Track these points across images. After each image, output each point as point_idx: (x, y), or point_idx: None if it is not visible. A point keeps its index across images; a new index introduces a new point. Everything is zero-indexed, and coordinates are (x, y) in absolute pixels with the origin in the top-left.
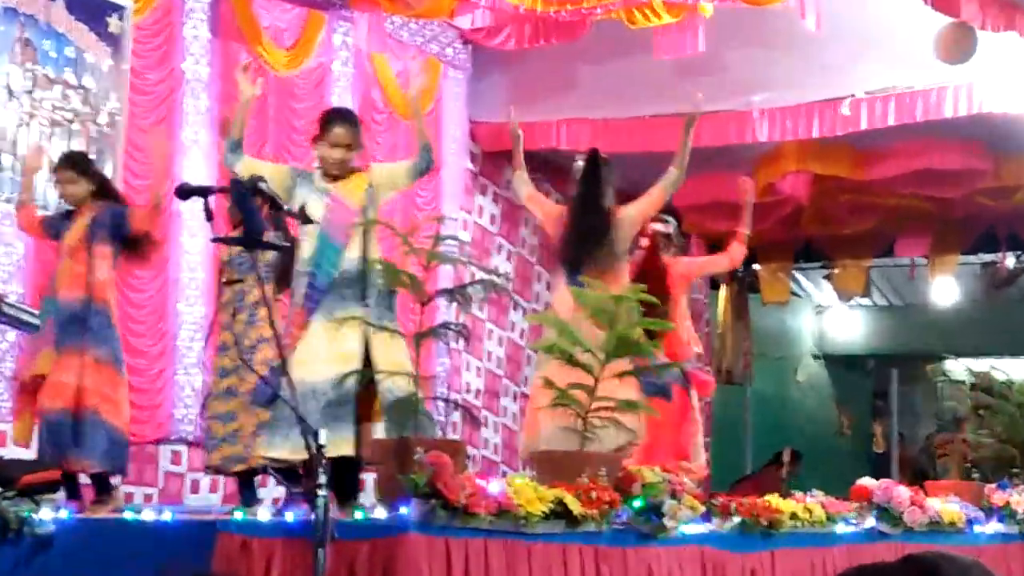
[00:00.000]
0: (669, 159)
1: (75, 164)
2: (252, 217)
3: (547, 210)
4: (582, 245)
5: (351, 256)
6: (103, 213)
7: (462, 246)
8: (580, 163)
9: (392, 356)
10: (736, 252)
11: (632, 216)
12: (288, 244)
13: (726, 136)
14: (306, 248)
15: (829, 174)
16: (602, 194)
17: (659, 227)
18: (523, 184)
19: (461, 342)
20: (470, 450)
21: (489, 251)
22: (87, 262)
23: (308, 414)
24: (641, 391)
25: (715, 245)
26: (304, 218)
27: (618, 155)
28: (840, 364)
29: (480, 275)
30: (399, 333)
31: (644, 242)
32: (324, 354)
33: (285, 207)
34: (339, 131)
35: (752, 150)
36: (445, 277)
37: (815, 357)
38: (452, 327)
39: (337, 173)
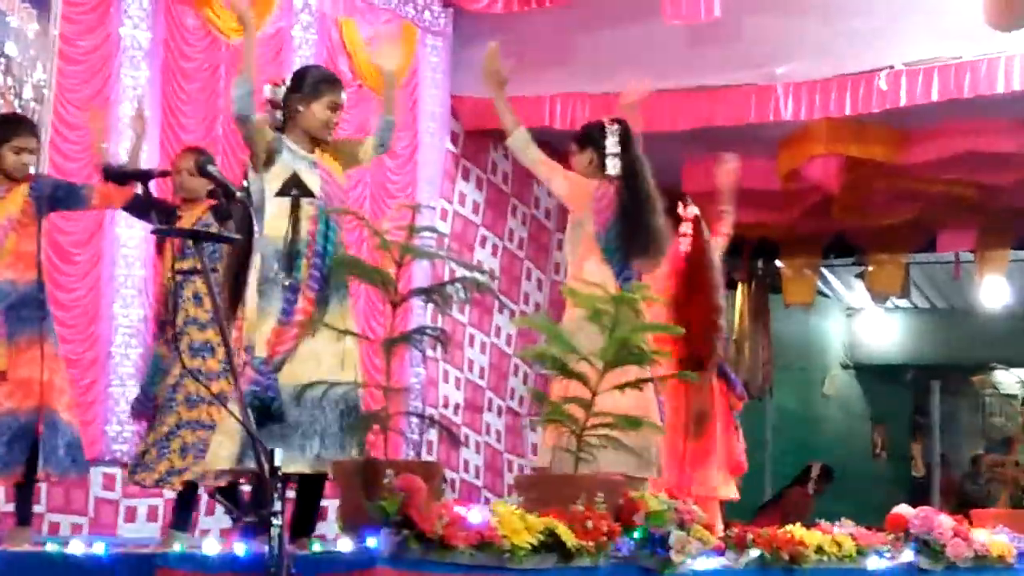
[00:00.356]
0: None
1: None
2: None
3: (575, 181)
4: (655, 241)
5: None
6: (45, 184)
7: (440, 239)
8: (614, 130)
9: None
10: (728, 231)
11: None
12: (240, 238)
13: (744, 114)
14: (304, 228)
15: (863, 157)
16: (647, 176)
17: (695, 210)
18: (528, 144)
19: (439, 349)
20: (448, 473)
21: (472, 245)
22: (36, 238)
23: (322, 424)
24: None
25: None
26: (241, 208)
27: None
28: (874, 376)
29: (461, 272)
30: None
31: (686, 228)
32: (326, 351)
33: (239, 193)
34: (341, 95)
35: (774, 130)
36: (421, 275)
37: (845, 367)
38: (428, 332)
39: (328, 138)
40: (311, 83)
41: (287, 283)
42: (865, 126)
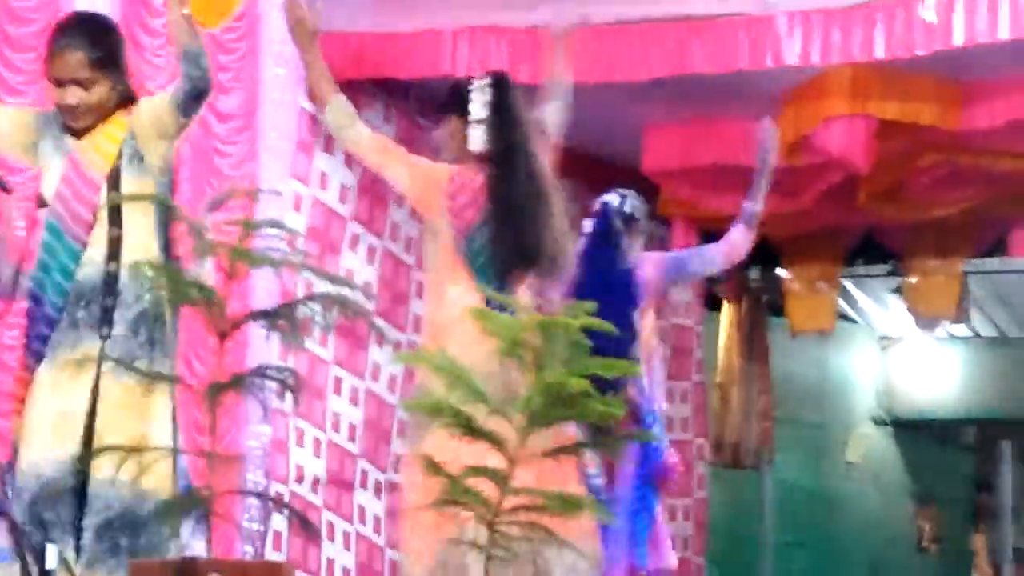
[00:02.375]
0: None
1: None
2: None
3: (419, 171)
4: (533, 243)
5: (93, 257)
6: None
7: (292, 238)
8: (480, 91)
9: (123, 422)
10: (738, 239)
11: None
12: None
13: (732, 59)
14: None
15: (902, 121)
16: (535, 151)
17: (612, 201)
18: (353, 120)
19: (288, 399)
20: None
21: (337, 247)
22: None
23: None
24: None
25: (712, 235)
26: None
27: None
28: (919, 435)
29: (321, 287)
30: (156, 379)
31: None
32: (49, 418)
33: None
34: (69, 56)
35: (775, 81)
36: (263, 291)
37: (878, 423)
38: (273, 374)
39: (77, 123)
40: (46, 47)
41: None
42: (905, 76)
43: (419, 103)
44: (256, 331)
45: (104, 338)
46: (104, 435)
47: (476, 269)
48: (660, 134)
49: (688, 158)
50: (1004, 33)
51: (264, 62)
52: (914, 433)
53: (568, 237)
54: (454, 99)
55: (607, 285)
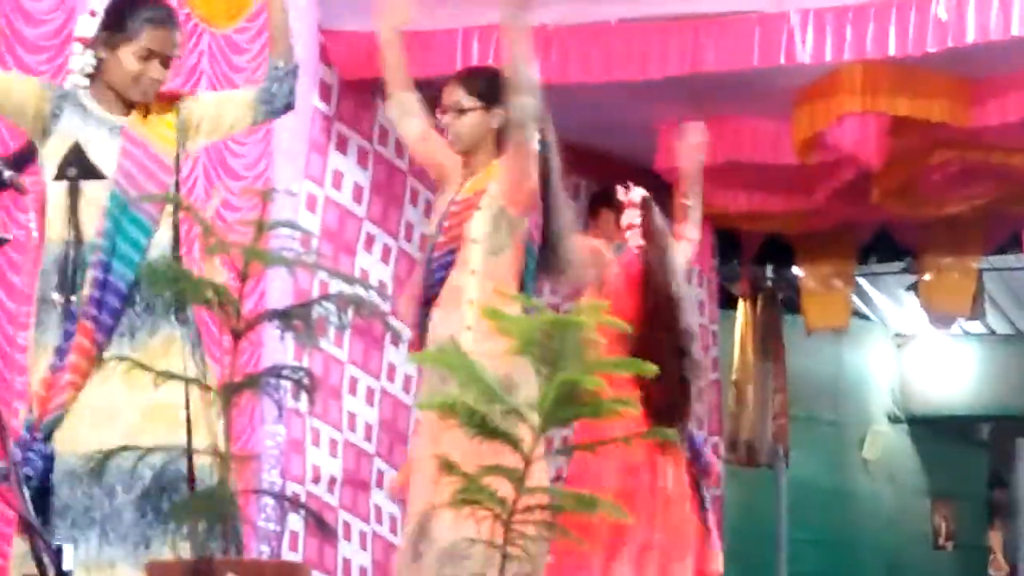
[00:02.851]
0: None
1: None
2: None
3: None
4: (573, 251)
5: (161, 241)
6: None
7: (306, 239)
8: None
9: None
10: (694, 235)
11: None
12: (6, 238)
13: (745, 57)
14: (88, 220)
15: (915, 117)
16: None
17: (641, 191)
18: (409, 115)
19: (304, 399)
20: None
21: (352, 247)
22: None
23: (104, 510)
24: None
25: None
26: (20, 188)
27: (568, 87)
28: (935, 433)
29: (336, 287)
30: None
31: (632, 217)
32: (127, 405)
33: (6, 173)
34: (163, 32)
35: (788, 79)
36: (278, 291)
37: (893, 421)
38: (288, 374)
39: (145, 99)
40: (122, 17)
41: (63, 306)
42: (917, 73)
43: (434, 101)
44: (271, 331)
45: (184, 323)
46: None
47: (528, 270)
48: (673, 133)
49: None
50: (1016, 30)
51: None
52: (929, 430)
53: (576, 240)
54: (493, 90)
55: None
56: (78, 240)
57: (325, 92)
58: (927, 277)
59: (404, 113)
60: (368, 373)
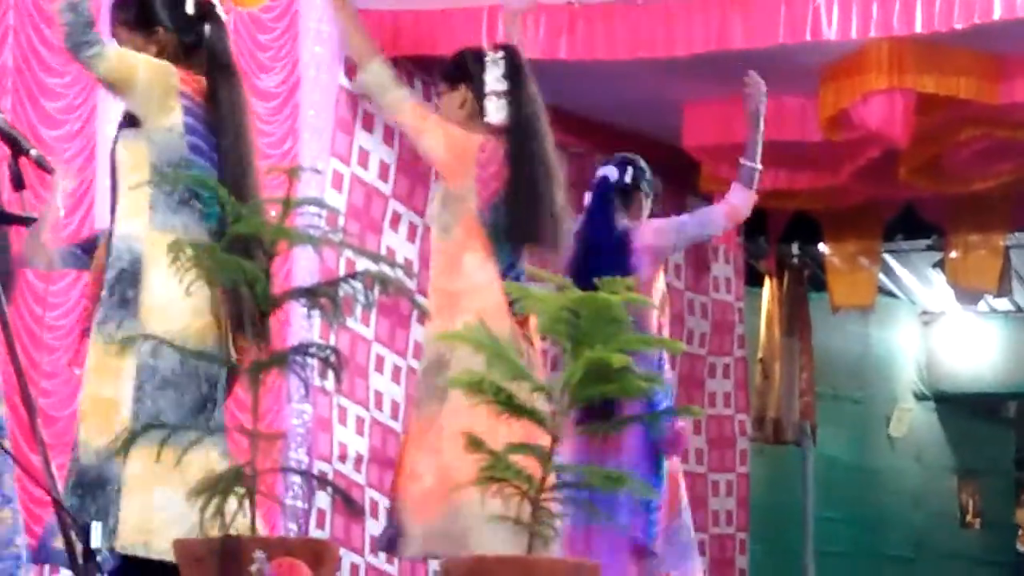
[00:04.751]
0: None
1: None
2: None
3: (455, 137)
4: (544, 218)
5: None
6: None
7: (332, 217)
8: (495, 63)
9: (92, 385)
10: (738, 200)
11: None
12: (32, 218)
13: (771, 34)
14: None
15: (942, 94)
16: (546, 126)
17: (610, 174)
18: (389, 83)
19: (331, 377)
20: (347, 556)
21: (378, 225)
22: None
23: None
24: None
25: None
26: (46, 167)
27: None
28: (962, 410)
29: (363, 265)
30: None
31: None
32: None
33: (32, 151)
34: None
35: (815, 56)
36: (304, 269)
37: (920, 398)
38: (315, 352)
39: None
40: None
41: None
42: (944, 50)
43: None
44: (297, 309)
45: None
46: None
47: (494, 240)
48: (700, 110)
49: (728, 134)
50: None
51: (303, 41)
52: (956, 408)
53: (566, 212)
54: (462, 68)
55: (598, 254)
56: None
57: (351, 70)
58: (953, 254)
59: (383, 87)
60: (394, 351)
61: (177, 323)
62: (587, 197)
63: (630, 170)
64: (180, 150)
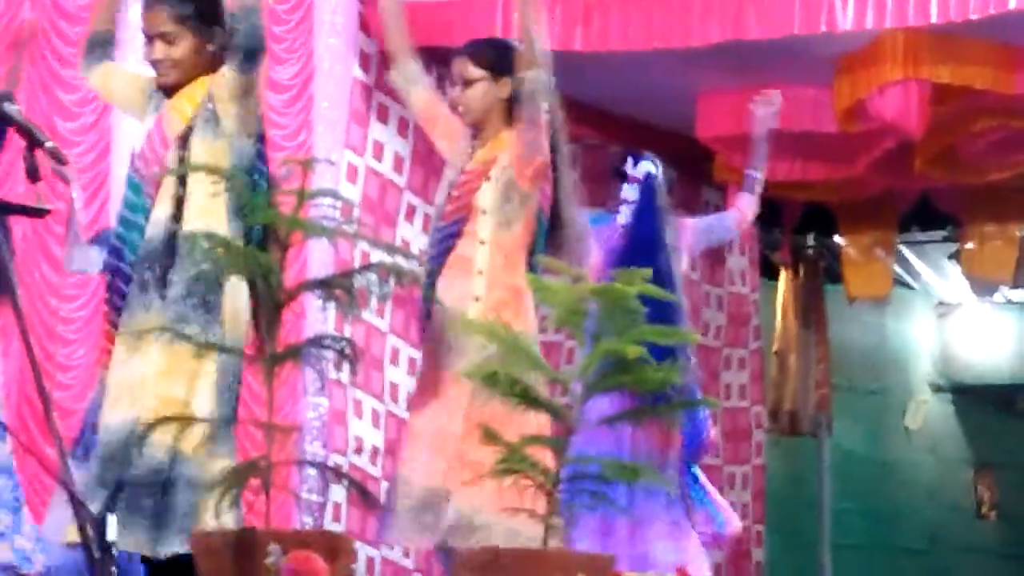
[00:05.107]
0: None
1: None
2: None
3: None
4: (573, 223)
5: (159, 217)
6: None
7: (347, 209)
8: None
9: (162, 384)
10: (745, 207)
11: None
12: (46, 209)
13: (786, 24)
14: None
15: (957, 85)
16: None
17: (650, 166)
18: (414, 83)
19: (346, 369)
20: (362, 549)
21: (393, 217)
22: None
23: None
24: None
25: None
26: (60, 158)
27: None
28: (978, 401)
29: (378, 257)
30: (204, 346)
31: (631, 192)
32: (119, 384)
33: (48, 143)
34: (146, 12)
35: (830, 46)
36: (319, 261)
37: (936, 390)
38: (330, 344)
39: (161, 79)
40: None
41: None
42: (960, 40)
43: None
44: (312, 302)
45: (162, 297)
46: (140, 394)
47: (535, 247)
48: (714, 101)
49: (742, 124)
50: None
51: (318, 33)
52: (972, 399)
53: (578, 210)
54: (509, 61)
55: (650, 252)
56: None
57: (365, 62)
58: (969, 245)
59: (408, 82)
60: (409, 343)
61: (243, 327)
62: (627, 191)
63: (661, 167)
64: (252, 158)
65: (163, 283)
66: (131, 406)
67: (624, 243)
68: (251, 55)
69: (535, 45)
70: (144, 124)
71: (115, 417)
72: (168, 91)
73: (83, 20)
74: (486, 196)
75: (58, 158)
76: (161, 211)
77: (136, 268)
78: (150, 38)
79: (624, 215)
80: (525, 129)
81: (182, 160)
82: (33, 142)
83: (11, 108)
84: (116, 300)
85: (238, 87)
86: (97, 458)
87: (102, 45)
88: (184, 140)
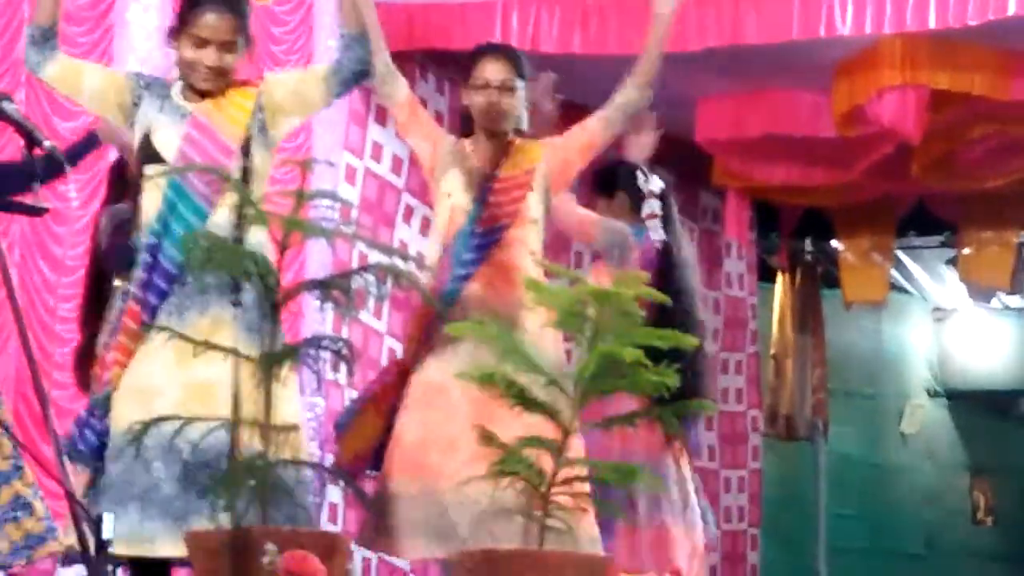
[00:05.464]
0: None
1: None
2: None
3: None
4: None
5: (219, 222)
6: None
7: (345, 210)
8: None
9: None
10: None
11: (556, 154)
12: (44, 208)
13: (784, 29)
14: (150, 205)
15: (955, 91)
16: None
17: (660, 183)
18: (393, 78)
19: (343, 370)
20: (358, 549)
21: (391, 218)
22: None
23: (143, 484)
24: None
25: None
26: (71, 159)
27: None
28: (974, 407)
29: (375, 258)
30: (205, 347)
31: (653, 207)
32: (169, 383)
33: (47, 142)
34: (211, 17)
35: (828, 51)
36: (317, 262)
37: (932, 395)
38: (327, 344)
39: (204, 85)
40: (183, 6)
41: (118, 285)
42: (957, 46)
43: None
44: (310, 302)
45: (236, 305)
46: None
47: None
48: (713, 105)
49: (741, 129)
50: None
51: (318, 34)
52: (968, 405)
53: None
54: (526, 68)
55: (686, 268)
56: (139, 225)
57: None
58: (966, 251)
59: (391, 74)
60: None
61: None
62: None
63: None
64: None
65: (232, 289)
66: (209, 411)
67: (662, 260)
68: (357, 78)
69: (655, 65)
70: (155, 126)
71: (196, 424)
72: (200, 95)
73: (83, 20)
74: (535, 206)
75: (57, 158)
76: (222, 217)
77: (191, 271)
78: (204, 43)
79: (656, 231)
80: (602, 138)
81: (246, 170)
82: (32, 142)
83: (10, 107)
84: (150, 297)
85: (321, 104)
86: (178, 462)
87: (49, 38)
88: (246, 149)
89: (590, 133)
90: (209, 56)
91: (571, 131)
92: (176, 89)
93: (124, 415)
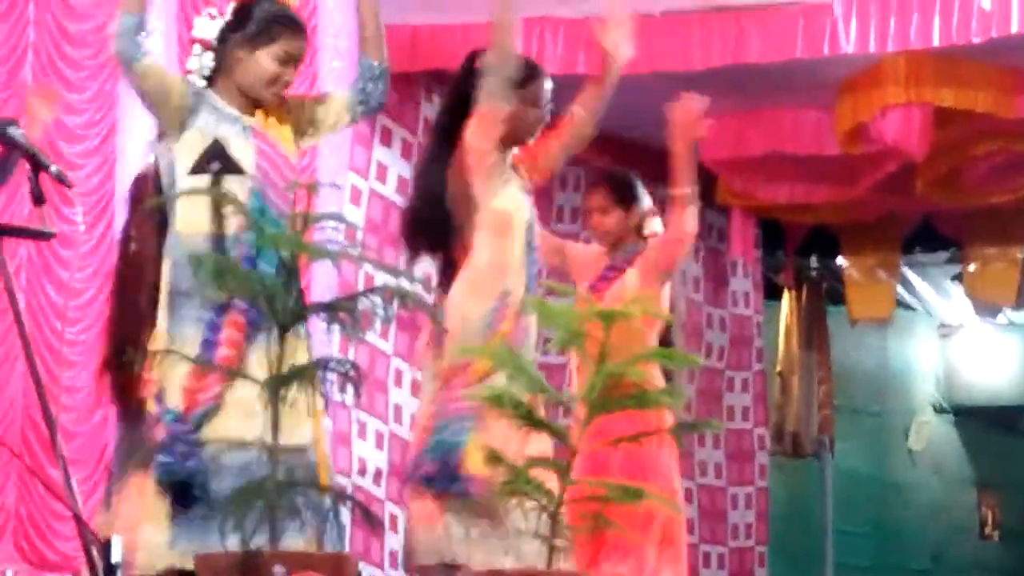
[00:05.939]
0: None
1: None
2: None
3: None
4: (415, 219)
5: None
6: None
7: (351, 232)
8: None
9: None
10: (687, 222)
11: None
12: (51, 232)
13: (788, 48)
14: (195, 212)
15: (959, 108)
16: (452, 125)
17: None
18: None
19: (350, 392)
20: (366, 570)
21: (397, 239)
22: None
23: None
24: None
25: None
26: (65, 181)
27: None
28: (981, 422)
29: (382, 279)
30: (204, 364)
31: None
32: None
33: (52, 167)
34: (302, 38)
35: (832, 69)
36: (323, 284)
37: (939, 411)
38: (334, 367)
39: (275, 101)
40: (261, 21)
41: (209, 299)
42: (961, 64)
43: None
44: (317, 324)
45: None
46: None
47: None
48: (717, 124)
49: (745, 147)
50: None
51: (322, 56)
52: (975, 420)
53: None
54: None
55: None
56: (220, 234)
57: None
58: (972, 267)
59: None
60: (413, 366)
61: None
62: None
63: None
64: None
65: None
66: (303, 431)
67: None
68: (378, 109)
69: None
70: (230, 137)
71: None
72: (253, 109)
73: (88, 43)
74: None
75: (63, 181)
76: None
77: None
78: (290, 60)
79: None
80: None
81: (307, 187)
82: (38, 166)
83: (16, 132)
84: (253, 311)
85: (338, 129)
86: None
87: (142, 29)
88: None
89: (554, 160)
90: (290, 73)
91: (546, 149)
92: (216, 98)
93: (226, 430)
